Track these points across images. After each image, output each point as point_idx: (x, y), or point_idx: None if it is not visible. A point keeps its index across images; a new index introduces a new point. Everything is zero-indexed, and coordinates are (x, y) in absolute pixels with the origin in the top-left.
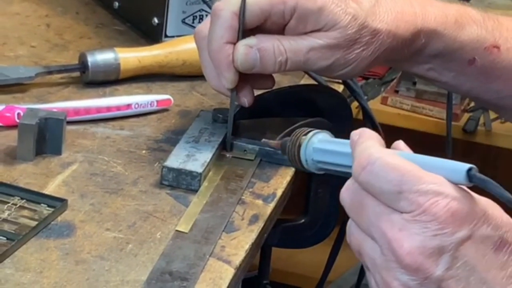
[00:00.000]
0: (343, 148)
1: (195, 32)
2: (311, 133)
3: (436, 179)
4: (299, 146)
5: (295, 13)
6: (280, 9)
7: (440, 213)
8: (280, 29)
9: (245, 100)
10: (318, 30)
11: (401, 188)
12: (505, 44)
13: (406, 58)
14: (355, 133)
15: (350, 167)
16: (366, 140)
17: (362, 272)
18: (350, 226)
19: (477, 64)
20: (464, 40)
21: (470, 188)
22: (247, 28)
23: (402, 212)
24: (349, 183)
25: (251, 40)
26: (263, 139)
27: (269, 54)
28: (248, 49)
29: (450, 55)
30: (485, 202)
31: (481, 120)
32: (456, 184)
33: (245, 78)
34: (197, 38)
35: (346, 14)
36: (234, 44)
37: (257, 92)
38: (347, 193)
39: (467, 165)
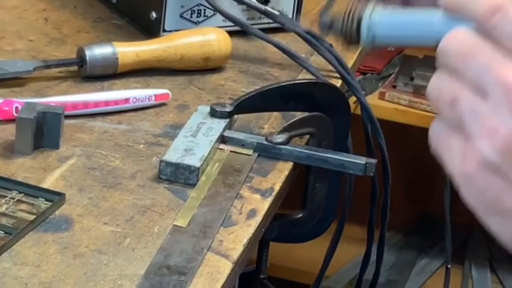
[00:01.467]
0: (422, 18)
1: None
2: (368, 8)
3: None
4: (359, 21)
5: None
6: None
7: None
8: None
9: None
10: None
11: None
12: None
13: None
14: None
15: (430, 37)
16: None
17: (363, 266)
18: (441, 74)
19: None
20: None
21: None
22: None
23: None
24: (458, 32)
25: None
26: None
27: None
28: None
29: None
30: None
31: None
32: None
33: None
34: None
35: None
36: None
37: (255, 87)
38: (454, 39)
39: None
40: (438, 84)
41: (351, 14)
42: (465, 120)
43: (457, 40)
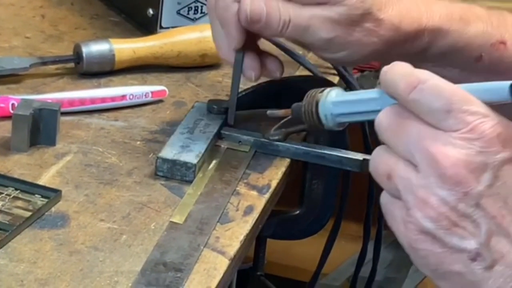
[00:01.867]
0: (365, 95)
1: (207, 4)
2: (326, 90)
3: (483, 104)
4: (317, 103)
5: None
6: None
7: (486, 132)
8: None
9: (252, 73)
10: (325, 4)
11: (451, 107)
12: (511, 39)
13: (409, 55)
14: (385, 67)
15: (374, 112)
16: (405, 66)
17: (359, 264)
18: (378, 151)
19: (484, 61)
20: (470, 37)
21: None
22: None
23: (448, 131)
24: (388, 109)
25: None
26: (269, 111)
27: (274, 10)
28: (256, 1)
29: (457, 53)
30: None
31: None
32: (499, 102)
33: (254, 52)
34: (209, 7)
35: None
36: None
37: (252, 84)
38: (385, 116)
39: (509, 82)
40: (375, 160)
41: (309, 103)
42: (401, 192)
43: (387, 117)
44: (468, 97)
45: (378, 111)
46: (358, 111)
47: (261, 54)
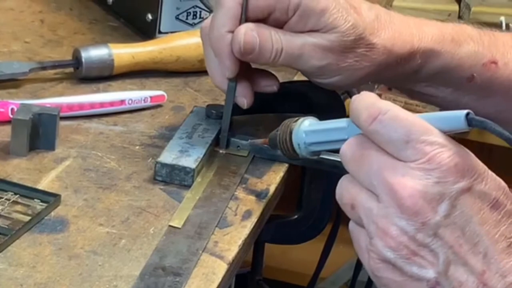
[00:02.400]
0: (335, 125)
1: (201, 28)
2: (300, 120)
3: (442, 134)
4: (290, 132)
5: (298, 10)
6: (285, 5)
7: (443, 162)
8: (279, 27)
9: (244, 100)
10: (317, 31)
11: (409, 138)
12: (502, 59)
13: (402, 77)
14: (354, 96)
15: (343, 140)
16: (370, 97)
17: (357, 268)
18: (343, 180)
19: (476, 81)
20: (462, 58)
21: None
22: (249, 20)
23: (406, 162)
24: (351, 139)
25: (250, 25)
26: (250, 140)
27: (267, 40)
28: (250, 32)
29: (449, 73)
30: (484, 165)
31: None
32: (456, 130)
33: (247, 77)
34: (203, 35)
35: (346, 21)
36: None
37: None
38: (348, 147)
39: (464, 111)
40: (340, 189)
41: (283, 132)
42: (363, 221)
43: (351, 147)
44: (426, 127)
45: (346, 140)
46: (328, 140)
47: (254, 73)
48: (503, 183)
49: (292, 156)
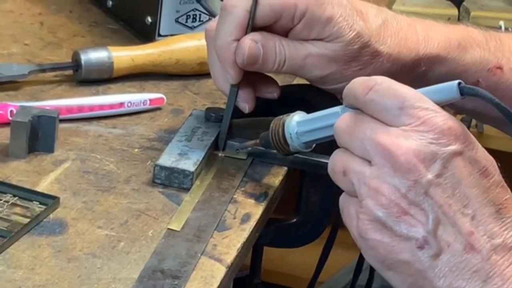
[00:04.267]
0: (327, 111)
1: (206, 30)
2: (290, 114)
3: (435, 104)
4: (283, 124)
5: (304, 18)
6: (291, 12)
7: (437, 125)
8: (284, 33)
9: (246, 105)
10: (321, 40)
11: (403, 104)
12: (508, 64)
13: (407, 82)
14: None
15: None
16: (364, 77)
17: (357, 272)
18: (337, 151)
19: (481, 86)
20: (467, 63)
21: None
22: (255, 28)
23: (400, 127)
24: (345, 115)
25: (256, 36)
26: (239, 144)
27: (271, 52)
28: (254, 44)
29: (454, 78)
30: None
31: (474, 122)
32: (450, 100)
33: (250, 82)
34: (208, 37)
35: (351, 30)
36: None
37: None
38: (342, 120)
39: (456, 81)
40: (333, 159)
41: (276, 125)
42: (355, 185)
43: (344, 121)
44: (420, 96)
45: None
46: (321, 126)
47: (256, 78)
48: (491, 157)
49: (283, 149)
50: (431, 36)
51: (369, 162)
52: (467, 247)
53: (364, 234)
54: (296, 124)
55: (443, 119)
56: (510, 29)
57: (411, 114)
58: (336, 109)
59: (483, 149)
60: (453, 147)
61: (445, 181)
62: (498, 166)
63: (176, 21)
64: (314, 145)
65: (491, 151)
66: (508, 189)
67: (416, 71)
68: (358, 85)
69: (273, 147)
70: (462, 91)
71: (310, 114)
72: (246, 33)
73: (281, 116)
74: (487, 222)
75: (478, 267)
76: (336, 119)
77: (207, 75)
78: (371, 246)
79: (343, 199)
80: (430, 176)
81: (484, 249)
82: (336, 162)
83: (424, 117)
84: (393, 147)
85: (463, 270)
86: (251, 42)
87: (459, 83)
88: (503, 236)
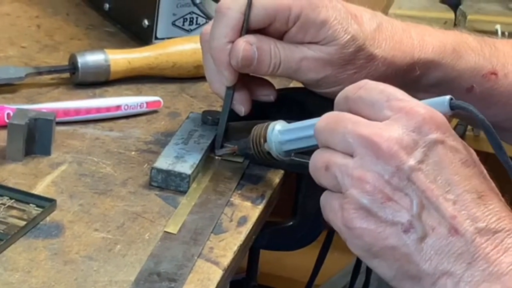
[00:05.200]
0: (308, 122)
1: (201, 34)
2: (271, 124)
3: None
4: (265, 134)
5: (298, 21)
6: (285, 15)
7: (419, 114)
8: (279, 36)
9: (242, 108)
10: (316, 43)
11: (389, 98)
12: (503, 70)
13: (401, 86)
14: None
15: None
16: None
17: (354, 275)
18: (318, 150)
19: (475, 92)
20: (462, 69)
21: None
22: (249, 30)
23: (384, 120)
24: (324, 115)
25: (250, 38)
26: (217, 150)
27: (265, 54)
28: (248, 46)
29: (448, 83)
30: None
31: (470, 126)
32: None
33: (245, 85)
34: (203, 40)
35: (346, 33)
36: None
37: None
38: (322, 120)
39: (447, 96)
40: (314, 158)
41: (257, 134)
42: (338, 178)
43: (324, 120)
44: (405, 93)
45: None
46: (303, 136)
47: (252, 80)
48: (472, 150)
49: (265, 157)
50: (426, 40)
51: (351, 155)
52: (451, 230)
53: (349, 223)
54: (278, 132)
55: (425, 109)
56: (506, 33)
57: (394, 105)
58: (318, 119)
59: (465, 143)
60: (435, 135)
61: (427, 167)
62: (485, 166)
63: (173, 24)
64: (293, 154)
65: (486, 154)
66: (491, 181)
67: (410, 75)
68: (349, 87)
69: (253, 154)
70: (452, 106)
71: (292, 123)
72: (240, 35)
73: (262, 124)
74: (469, 207)
75: (462, 249)
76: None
77: (203, 78)
78: (357, 235)
79: (324, 196)
80: (412, 162)
81: (467, 232)
82: (317, 159)
83: (406, 107)
84: (375, 136)
85: (448, 253)
86: (245, 44)
87: (451, 99)
88: (486, 220)
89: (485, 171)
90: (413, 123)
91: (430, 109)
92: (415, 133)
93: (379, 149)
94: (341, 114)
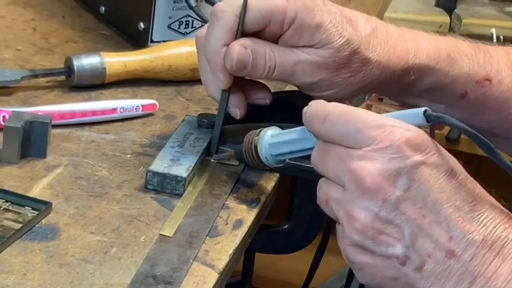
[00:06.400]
0: (295, 135)
1: (196, 37)
2: (262, 132)
3: (390, 118)
4: (255, 147)
5: (293, 24)
6: (280, 18)
7: (395, 140)
8: (275, 40)
9: (237, 111)
10: (311, 46)
11: (357, 127)
12: (496, 77)
13: (396, 91)
14: (305, 108)
15: (307, 149)
16: (317, 103)
17: (349, 279)
18: (320, 182)
19: (469, 97)
20: (456, 75)
21: None
22: (245, 33)
23: (362, 148)
24: (316, 146)
25: (245, 41)
26: (214, 155)
27: (261, 57)
28: (243, 49)
29: (442, 89)
30: (435, 141)
31: None
32: (416, 125)
33: (241, 88)
34: (198, 44)
35: (341, 37)
36: None
37: None
38: (315, 152)
39: (422, 108)
40: (318, 191)
41: (249, 146)
42: (335, 212)
43: (316, 152)
44: (372, 115)
45: (312, 148)
46: (294, 150)
47: (248, 84)
48: (453, 157)
49: (257, 163)
50: (420, 46)
51: (343, 187)
52: (448, 254)
53: (349, 258)
54: (269, 146)
55: (400, 132)
56: (501, 36)
57: (367, 135)
58: (306, 133)
59: (445, 150)
60: (415, 158)
61: (414, 193)
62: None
63: (169, 27)
64: (286, 160)
65: (481, 158)
66: (477, 183)
67: (405, 80)
68: (313, 117)
69: (246, 160)
70: (428, 118)
71: (281, 134)
72: (235, 38)
73: (255, 130)
74: (463, 224)
75: (461, 270)
76: (308, 144)
77: (199, 81)
78: (358, 268)
79: (335, 226)
80: (398, 192)
81: (464, 253)
82: (319, 192)
83: (381, 135)
84: (359, 170)
85: (449, 276)
86: (240, 47)
87: (425, 111)
88: (481, 232)
89: (469, 176)
90: (391, 149)
91: (405, 130)
92: (395, 159)
93: (363, 184)
94: (326, 147)
